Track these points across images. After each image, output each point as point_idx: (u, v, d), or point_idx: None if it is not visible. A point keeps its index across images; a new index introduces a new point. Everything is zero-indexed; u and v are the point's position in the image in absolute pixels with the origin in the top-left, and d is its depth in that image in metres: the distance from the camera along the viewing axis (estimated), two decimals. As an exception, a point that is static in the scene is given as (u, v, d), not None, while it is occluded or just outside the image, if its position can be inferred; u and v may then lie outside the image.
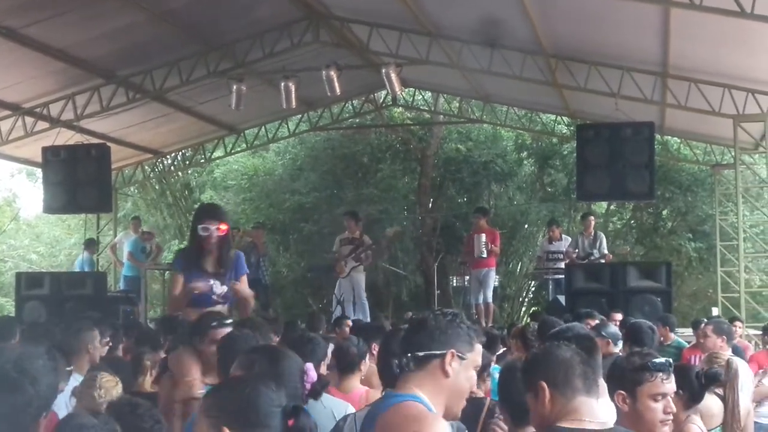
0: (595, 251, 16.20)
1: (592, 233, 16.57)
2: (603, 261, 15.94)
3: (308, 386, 3.47)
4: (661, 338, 9.93)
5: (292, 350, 4.14)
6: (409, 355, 3.25)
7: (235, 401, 2.61)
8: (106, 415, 3.80)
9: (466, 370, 3.28)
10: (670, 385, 3.98)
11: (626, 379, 4.00)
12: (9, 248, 33.38)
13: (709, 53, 13.80)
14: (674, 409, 3.97)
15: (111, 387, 4.75)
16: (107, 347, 7.64)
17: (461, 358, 3.24)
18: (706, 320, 10.65)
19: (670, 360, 4.21)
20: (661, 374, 3.95)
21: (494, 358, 7.83)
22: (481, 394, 5.87)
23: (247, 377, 2.86)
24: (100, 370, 5.44)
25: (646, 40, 13.92)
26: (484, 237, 15.83)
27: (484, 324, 14.67)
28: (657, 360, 4.02)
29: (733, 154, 16.77)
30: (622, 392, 3.91)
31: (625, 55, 14.64)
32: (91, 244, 19.88)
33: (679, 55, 13.90)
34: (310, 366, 3.62)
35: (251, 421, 2.56)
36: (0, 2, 12.72)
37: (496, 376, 5.95)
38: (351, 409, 4.67)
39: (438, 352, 3.23)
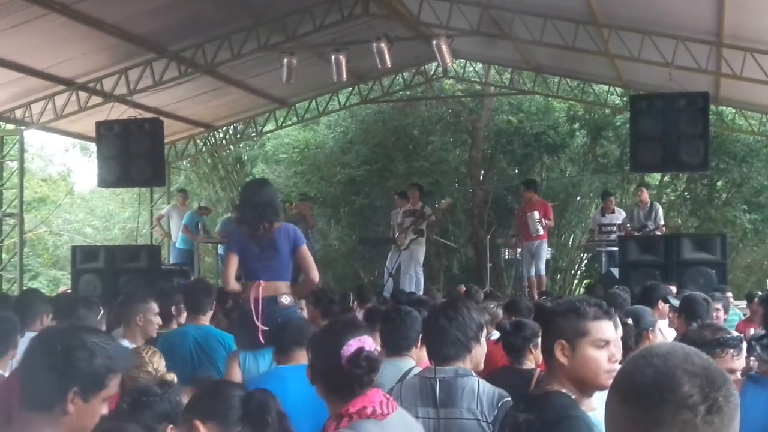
0: (650, 222, 16.03)
1: (648, 204, 16.40)
2: (657, 232, 15.79)
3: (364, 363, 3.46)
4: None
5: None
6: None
7: (202, 398, 3.24)
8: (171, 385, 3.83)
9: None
10: (739, 361, 3.95)
11: None
12: (64, 222, 33.85)
13: (765, 22, 13.55)
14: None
15: (157, 359, 4.75)
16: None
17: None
18: (759, 293, 10.53)
19: (742, 336, 4.18)
20: (732, 350, 3.92)
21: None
22: (531, 365, 5.86)
23: (212, 381, 3.57)
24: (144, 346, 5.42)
25: (700, 9, 13.70)
26: (537, 214, 15.68)
27: (536, 297, 14.61)
28: (729, 336, 3.99)
29: (789, 124, 16.53)
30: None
31: (679, 25, 14.42)
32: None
33: (734, 24, 13.66)
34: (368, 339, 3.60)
35: (216, 411, 3.16)
36: (53, -22, 12.85)
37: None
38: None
39: None
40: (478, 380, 4.30)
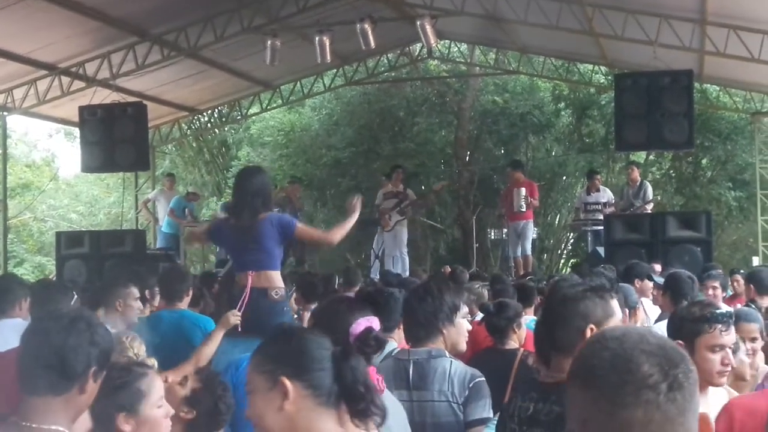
0: (638, 201, 16.07)
1: (638, 183, 16.43)
2: (647, 207, 15.84)
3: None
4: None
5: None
6: None
7: (287, 351, 2.64)
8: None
9: None
10: (728, 337, 3.97)
11: (685, 330, 4.00)
12: (49, 208, 33.76)
13: (748, -1, 13.58)
14: (732, 361, 3.95)
15: (137, 345, 4.73)
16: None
17: None
18: (741, 271, 10.58)
19: (731, 311, 4.19)
20: (720, 326, 3.93)
21: (531, 310, 7.85)
22: (514, 345, 5.87)
23: (292, 329, 2.87)
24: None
25: (684, -14, 13.73)
26: (523, 191, 15.76)
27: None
28: (717, 311, 4.00)
29: (773, 101, 16.55)
30: (681, 342, 3.88)
31: (663, 3, 14.43)
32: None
33: (718, 2, 13.68)
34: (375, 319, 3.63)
35: (306, 367, 2.61)
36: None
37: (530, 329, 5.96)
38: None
39: None
40: (451, 361, 4.30)
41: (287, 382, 2.56)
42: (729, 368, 3.94)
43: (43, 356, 2.83)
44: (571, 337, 3.25)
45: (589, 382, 1.81)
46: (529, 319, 7.09)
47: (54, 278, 15.25)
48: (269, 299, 6.33)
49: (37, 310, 5.43)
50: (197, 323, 6.75)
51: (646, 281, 8.58)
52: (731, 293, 10.40)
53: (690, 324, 4.04)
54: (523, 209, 15.79)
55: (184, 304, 7.02)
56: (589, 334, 3.21)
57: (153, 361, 4.12)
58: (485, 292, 8.66)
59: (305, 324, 6.48)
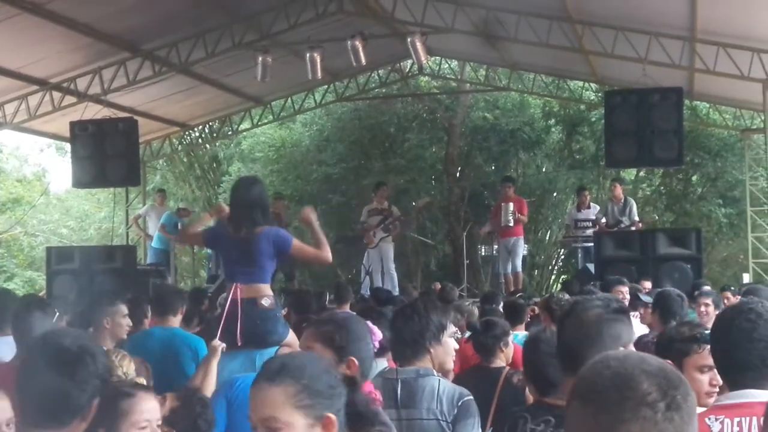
0: (625, 218, 16.11)
1: (622, 200, 16.47)
2: (633, 228, 15.86)
3: (377, 345, 3.60)
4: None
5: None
6: None
7: (321, 383, 2.55)
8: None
9: None
10: None
11: (674, 350, 4.01)
12: (40, 223, 33.65)
13: (738, 17, 13.64)
14: (720, 382, 3.95)
15: (127, 363, 4.72)
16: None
17: None
18: (732, 288, 10.61)
19: None
20: (709, 346, 3.94)
21: (522, 327, 7.87)
22: (501, 363, 5.88)
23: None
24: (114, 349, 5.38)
25: (673, 5, 13.79)
26: (512, 206, 15.84)
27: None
28: (706, 332, 4.01)
29: (762, 118, 16.60)
30: (669, 362, 3.89)
31: (652, 20, 14.49)
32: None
33: (707, 19, 13.74)
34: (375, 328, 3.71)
35: (339, 397, 2.56)
36: (24, -22, 12.77)
37: (519, 345, 5.98)
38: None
39: None
40: (439, 380, 4.31)
41: (333, 417, 2.51)
42: (717, 389, 3.94)
43: (49, 392, 2.83)
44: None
45: (590, 398, 1.83)
46: (521, 334, 7.12)
47: (44, 294, 15.24)
48: (259, 307, 6.27)
49: (19, 327, 5.34)
50: (187, 342, 6.74)
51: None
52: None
53: (679, 344, 4.05)
54: (511, 224, 15.83)
55: (176, 321, 7.02)
56: None
57: (142, 380, 4.12)
58: (476, 310, 8.68)
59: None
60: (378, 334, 3.70)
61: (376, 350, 3.71)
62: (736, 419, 3.19)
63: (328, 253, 6.65)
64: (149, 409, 3.34)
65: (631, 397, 1.77)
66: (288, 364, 2.57)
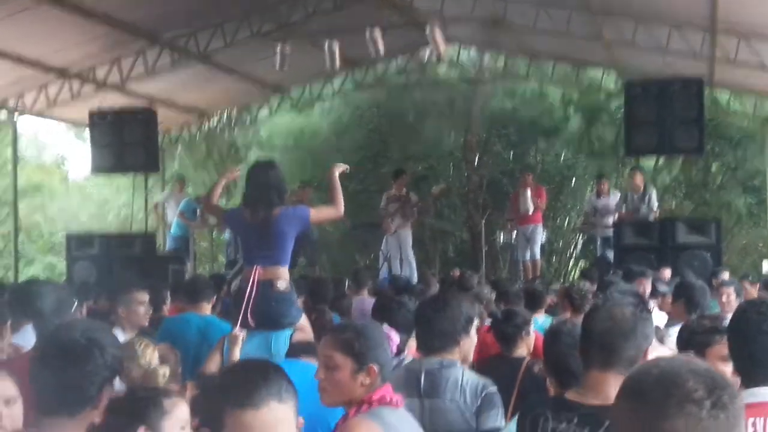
0: (644, 206, 16.02)
1: (642, 188, 16.36)
2: (651, 216, 15.80)
3: (394, 349, 3.71)
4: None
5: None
6: None
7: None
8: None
9: None
10: None
11: (696, 341, 4.02)
12: (59, 209, 33.77)
13: (758, 7, 13.55)
14: None
15: (150, 353, 4.70)
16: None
17: None
18: (750, 277, 10.60)
19: None
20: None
21: (542, 312, 7.91)
22: (522, 352, 5.88)
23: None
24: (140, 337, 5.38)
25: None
26: (529, 192, 15.83)
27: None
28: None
29: (783, 107, 16.51)
30: (692, 353, 3.89)
31: (673, 11, 14.42)
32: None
33: (728, 10, 13.66)
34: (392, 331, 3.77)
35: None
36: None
37: (540, 331, 5.98)
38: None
39: None
40: (462, 370, 4.33)
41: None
42: (739, 380, 3.95)
43: (60, 383, 2.88)
44: (632, 355, 3.21)
45: (636, 395, 1.88)
46: (541, 319, 7.13)
47: (65, 280, 15.35)
48: (275, 290, 6.28)
49: (37, 317, 5.27)
50: (223, 330, 6.74)
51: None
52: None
53: (701, 335, 4.07)
54: (530, 211, 15.85)
55: (209, 308, 7.08)
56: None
57: (165, 371, 4.13)
58: (494, 297, 8.69)
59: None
60: (395, 338, 3.75)
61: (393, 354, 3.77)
62: (750, 420, 3.14)
63: (340, 206, 6.84)
64: (186, 411, 3.38)
65: (676, 394, 1.81)
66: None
